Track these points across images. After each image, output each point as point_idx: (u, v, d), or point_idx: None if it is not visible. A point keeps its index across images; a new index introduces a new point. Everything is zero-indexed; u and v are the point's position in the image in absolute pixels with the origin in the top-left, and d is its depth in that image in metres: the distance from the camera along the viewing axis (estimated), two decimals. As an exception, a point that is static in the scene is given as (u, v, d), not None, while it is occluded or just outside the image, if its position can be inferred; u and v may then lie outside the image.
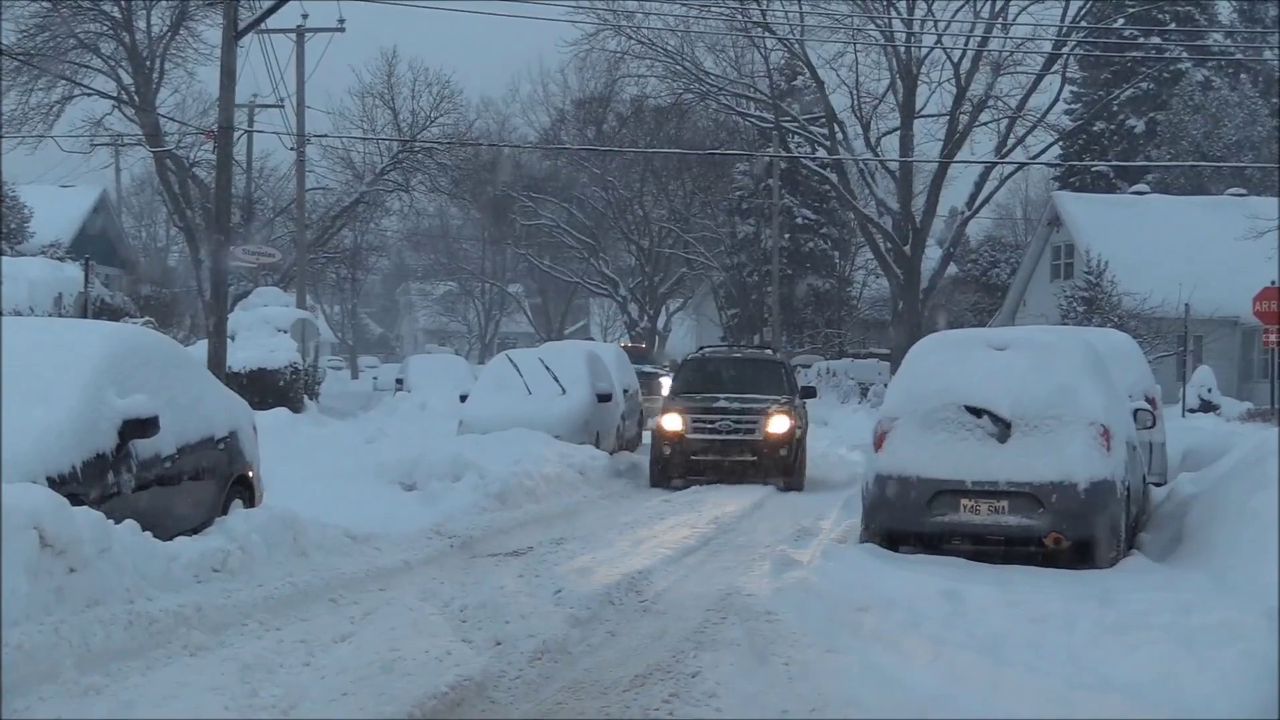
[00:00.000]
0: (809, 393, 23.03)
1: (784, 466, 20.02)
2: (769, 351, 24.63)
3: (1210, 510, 11.40)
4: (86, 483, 9.14)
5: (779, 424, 20.17)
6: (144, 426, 9.66)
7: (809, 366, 49.13)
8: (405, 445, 18.86)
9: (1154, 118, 52.52)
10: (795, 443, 20.20)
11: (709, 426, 20.26)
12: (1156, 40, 50.03)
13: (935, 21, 41.39)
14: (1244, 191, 43.95)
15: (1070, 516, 10.99)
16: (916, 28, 41.71)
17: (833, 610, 9.40)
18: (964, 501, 11.20)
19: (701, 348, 25.36)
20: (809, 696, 7.36)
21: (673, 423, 20.42)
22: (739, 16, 42.21)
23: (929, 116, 43.29)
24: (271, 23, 31.17)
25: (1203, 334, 38.43)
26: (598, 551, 12.63)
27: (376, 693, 7.09)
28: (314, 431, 24.93)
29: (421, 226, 69.08)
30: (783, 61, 47.08)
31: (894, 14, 41.56)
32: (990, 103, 42.00)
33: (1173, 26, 51.41)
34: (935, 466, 11.29)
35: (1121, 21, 46.71)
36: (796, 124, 45.51)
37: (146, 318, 31.01)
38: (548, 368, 22.68)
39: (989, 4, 41.13)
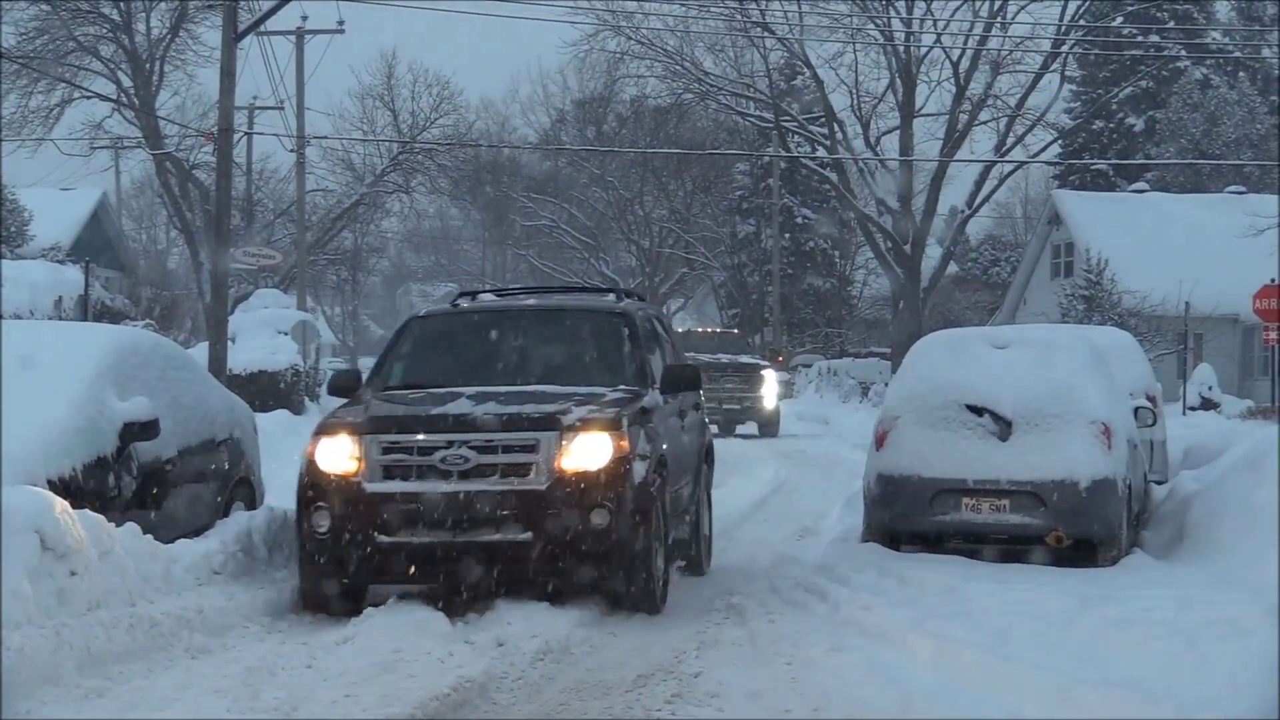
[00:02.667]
0: (682, 380, 11.08)
1: (603, 555, 9.34)
2: (610, 297, 12.32)
3: (1211, 508, 11.40)
4: (87, 485, 9.15)
5: (589, 451, 9.37)
6: (145, 429, 9.67)
7: (809, 366, 49.11)
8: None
9: (1153, 116, 52.52)
10: (638, 495, 9.41)
11: (422, 464, 9.39)
12: (1155, 38, 50.04)
13: (934, 21, 41.42)
14: (1243, 189, 43.95)
15: (1072, 514, 10.99)
16: (916, 27, 41.73)
17: (834, 609, 9.41)
18: (965, 500, 11.19)
19: (459, 294, 12.89)
20: (812, 695, 7.36)
21: (334, 457, 9.50)
22: (738, 16, 42.22)
23: (928, 115, 43.32)
24: (271, 24, 31.18)
25: (1203, 332, 38.41)
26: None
27: (379, 694, 7.09)
28: (315, 433, 24.87)
29: (422, 228, 69.12)
30: (782, 61, 47.08)
31: (893, 13, 41.58)
32: (989, 101, 42.02)
33: (1171, 25, 51.41)
34: (936, 465, 11.28)
35: (1120, 20, 46.71)
36: (796, 123, 45.51)
37: (147, 320, 31.00)
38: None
39: (988, 3, 41.15)
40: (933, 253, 46.91)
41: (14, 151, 39.75)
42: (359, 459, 9.44)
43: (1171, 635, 7.76)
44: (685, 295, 65.92)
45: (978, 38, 41.34)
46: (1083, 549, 11.13)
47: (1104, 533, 11.08)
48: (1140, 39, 48.69)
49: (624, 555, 9.37)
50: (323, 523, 9.40)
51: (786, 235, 54.63)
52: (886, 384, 23.90)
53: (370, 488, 9.37)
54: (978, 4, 41.17)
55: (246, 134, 41.96)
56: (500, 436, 9.42)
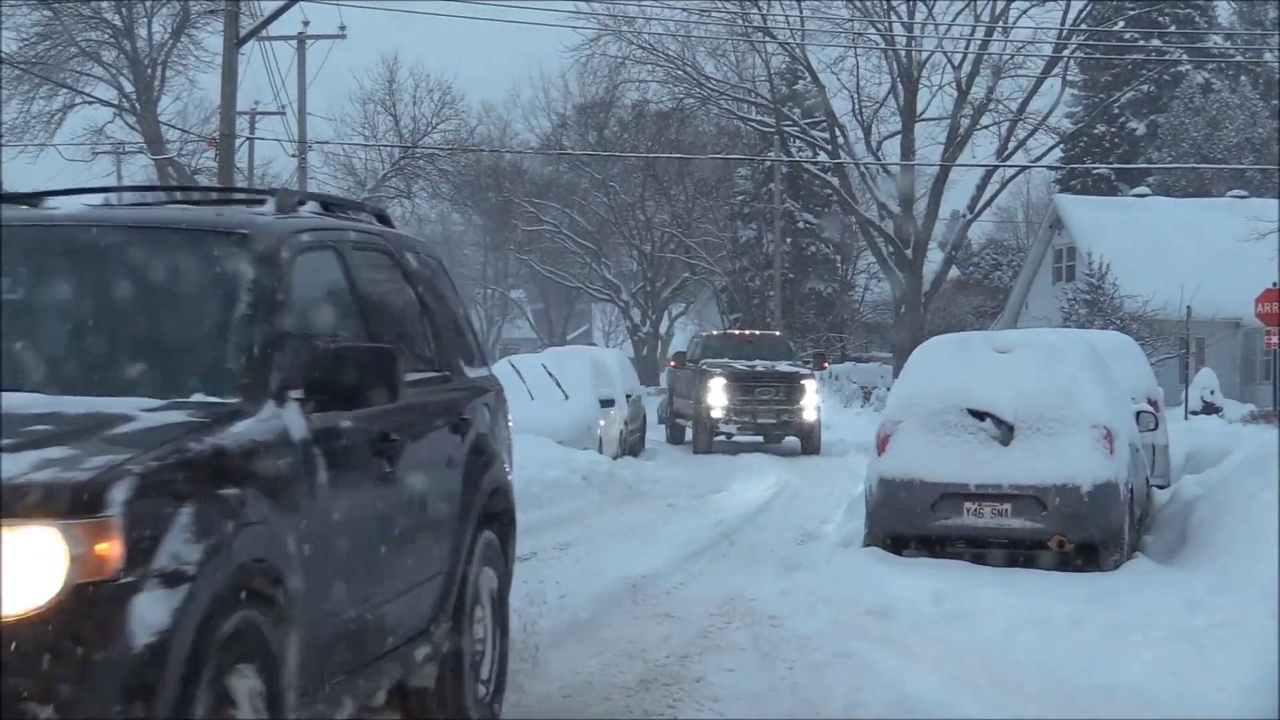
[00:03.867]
0: (343, 380, 4.87)
1: None
2: (266, 207, 5.71)
3: (1213, 512, 11.39)
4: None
5: (7, 571, 3.57)
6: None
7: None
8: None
9: (1155, 120, 52.54)
10: (138, 675, 3.66)
11: None
12: (1157, 43, 50.08)
13: (935, 25, 41.47)
14: (1245, 193, 43.93)
15: (1074, 519, 10.99)
16: (917, 31, 41.77)
17: (837, 613, 9.42)
18: (967, 504, 11.19)
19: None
20: (814, 700, 7.37)
21: None
22: (740, 21, 42.28)
23: (930, 120, 43.37)
24: (273, 29, 31.14)
25: (1205, 336, 38.39)
26: (602, 556, 12.62)
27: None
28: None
29: (423, 233, 69.11)
30: (784, 66, 47.11)
31: (894, 18, 41.62)
32: (991, 106, 42.06)
33: (1173, 29, 51.45)
34: (938, 469, 11.28)
35: (1121, 24, 46.78)
36: (798, 128, 45.56)
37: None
38: (550, 373, 22.67)
39: (989, 7, 41.21)
40: (934, 257, 46.98)
41: (16, 157, 39.86)
42: None
43: (1175, 639, 7.76)
44: (687, 300, 65.93)
45: (979, 42, 41.39)
46: (1085, 553, 11.13)
47: (1106, 537, 11.08)
48: (1142, 43, 48.74)
49: None
50: None
51: (788, 240, 54.60)
52: (888, 388, 23.85)
53: None
54: (979, 8, 41.24)
55: (248, 139, 42.04)
56: None
